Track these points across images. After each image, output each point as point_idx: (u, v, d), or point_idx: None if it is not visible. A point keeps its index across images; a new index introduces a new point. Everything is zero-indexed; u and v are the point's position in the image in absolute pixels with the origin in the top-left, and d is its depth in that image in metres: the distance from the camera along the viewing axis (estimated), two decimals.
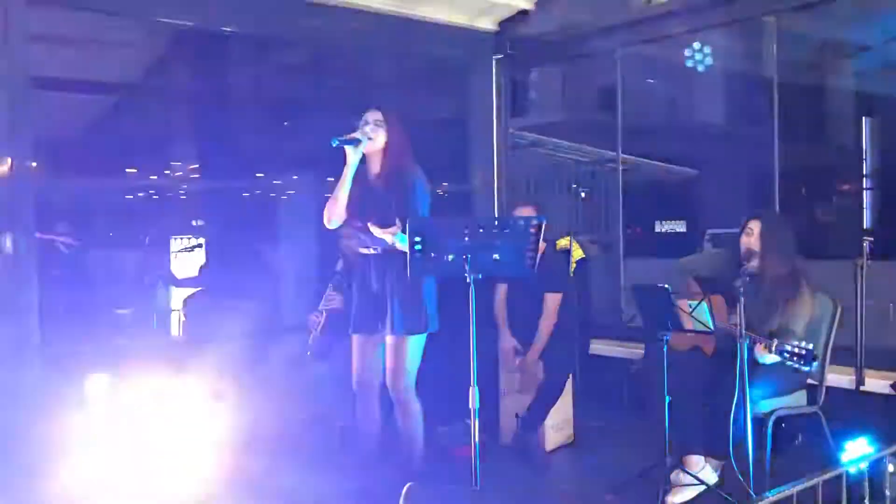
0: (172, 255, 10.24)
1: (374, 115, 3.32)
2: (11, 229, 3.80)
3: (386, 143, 3.31)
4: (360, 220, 3.31)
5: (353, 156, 3.25)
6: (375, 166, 3.34)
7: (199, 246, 9.60)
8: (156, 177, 11.20)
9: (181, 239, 10.45)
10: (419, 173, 3.33)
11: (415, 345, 3.30)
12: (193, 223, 11.04)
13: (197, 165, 10.80)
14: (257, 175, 11.26)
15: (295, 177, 10.74)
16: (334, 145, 3.21)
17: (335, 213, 3.32)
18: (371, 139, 3.27)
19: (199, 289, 6.37)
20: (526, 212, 4.10)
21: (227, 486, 3.59)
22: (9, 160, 3.79)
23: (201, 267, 7.05)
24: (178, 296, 9.36)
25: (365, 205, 3.29)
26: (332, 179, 3.38)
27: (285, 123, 10.11)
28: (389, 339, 3.31)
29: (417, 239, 2.84)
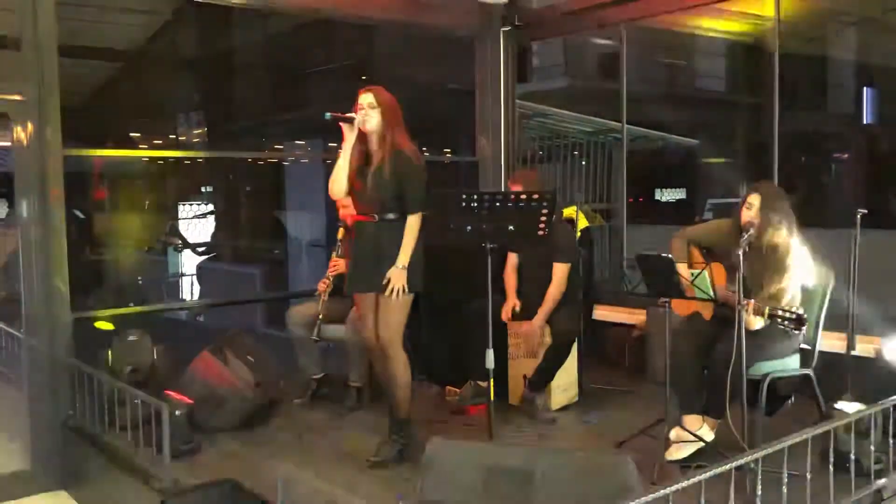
0: (184, 222, 10.36)
1: (367, 99, 3.42)
2: (44, 195, 3.97)
3: (379, 124, 3.40)
4: (359, 197, 3.47)
5: (348, 133, 3.41)
6: (373, 145, 3.45)
7: (212, 213, 9.70)
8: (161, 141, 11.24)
9: (192, 205, 10.53)
10: (412, 153, 3.42)
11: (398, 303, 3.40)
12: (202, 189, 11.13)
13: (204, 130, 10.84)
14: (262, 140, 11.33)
15: (300, 141, 10.83)
16: (326, 118, 3.33)
17: (335, 186, 3.47)
18: (364, 120, 3.39)
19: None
20: (525, 175, 4.24)
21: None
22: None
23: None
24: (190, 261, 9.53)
25: (364, 182, 3.44)
26: (335, 145, 3.50)
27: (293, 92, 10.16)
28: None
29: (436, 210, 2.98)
